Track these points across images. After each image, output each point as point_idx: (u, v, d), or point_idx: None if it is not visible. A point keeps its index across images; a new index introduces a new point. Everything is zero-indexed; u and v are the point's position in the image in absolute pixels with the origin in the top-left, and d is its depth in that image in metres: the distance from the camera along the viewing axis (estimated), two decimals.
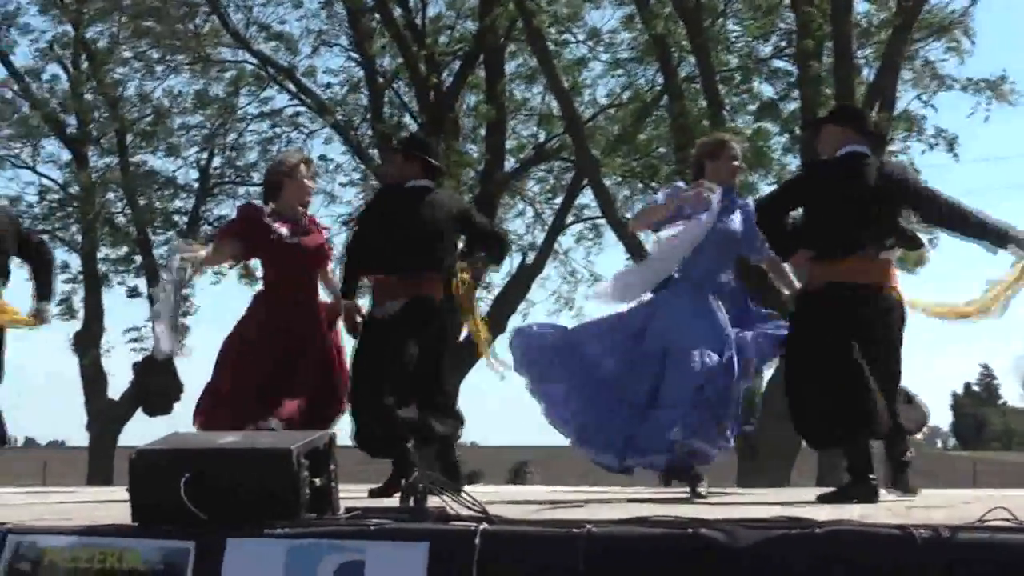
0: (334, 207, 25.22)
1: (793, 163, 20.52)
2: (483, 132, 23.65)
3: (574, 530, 4.28)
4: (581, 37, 23.37)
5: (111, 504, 6.17)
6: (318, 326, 7.87)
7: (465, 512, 4.58)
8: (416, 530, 4.41)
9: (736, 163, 7.44)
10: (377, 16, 23.30)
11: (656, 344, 7.03)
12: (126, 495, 4.85)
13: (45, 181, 26.83)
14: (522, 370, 7.30)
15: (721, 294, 7.20)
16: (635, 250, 20.34)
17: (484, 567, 4.20)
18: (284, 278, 7.85)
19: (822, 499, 6.41)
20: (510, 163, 23.89)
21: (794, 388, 6.72)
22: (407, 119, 24.24)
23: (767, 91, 21.77)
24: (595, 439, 7.12)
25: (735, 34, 22.12)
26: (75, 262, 26.24)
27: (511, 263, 24.16)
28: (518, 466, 35.34)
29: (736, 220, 7.26)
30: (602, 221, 23.30)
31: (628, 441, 6.97)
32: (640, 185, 23.43)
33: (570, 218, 24.61)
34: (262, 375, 7.57)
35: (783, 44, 21.67)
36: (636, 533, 4.28)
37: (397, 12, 23.05)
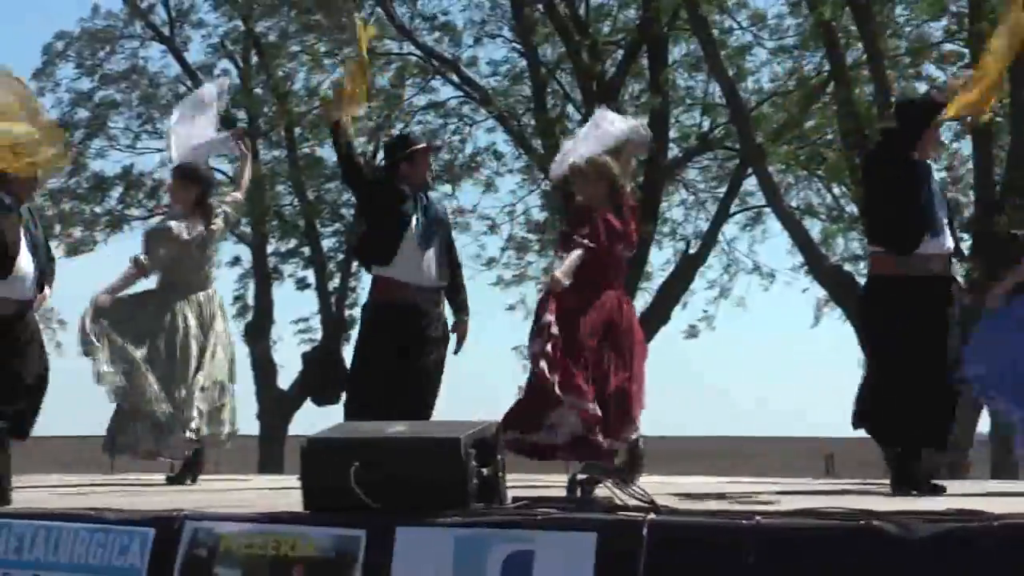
0: (496, 196, 25.29)
1: (963, 148, 20.06)
2: (646, 121, 23.53)
3: (743, 521, 4.23)
4: (745, 23, 23.12)
5: (283, 492, 6.27)
6: None
7: (632, 502, 4.55)
8: (584, 520, 4.39)
9: None
10: (540, 6, 23.31)
11: None
12: (297, 483, 4.92)
13: (217, 175, 27.37)
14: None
15: None
16: (800, 239, 20.10)
17: (652, 557, 4.17)
18: None
19: None
20: (673, 152, 23.74)
21: None
22: (570, 109, 24.23)
23: (938, 75, 21.30)
24: None
25: (904, 17, 21.68)
26: (246, 255, 26.75)
27: (674, 253, 24.03)
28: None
29: None
30: (766, 209, 23.03)
31: None
32: (805, 172, 23.12)
33: (734, 207, 24.37)
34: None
35: (954, 27, 21.17)
36: (806, 524, 4.22)
37: (560, 1, 23.04)
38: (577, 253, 7.56)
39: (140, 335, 8.53)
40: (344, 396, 7.98)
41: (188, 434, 8.39)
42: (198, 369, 8.56)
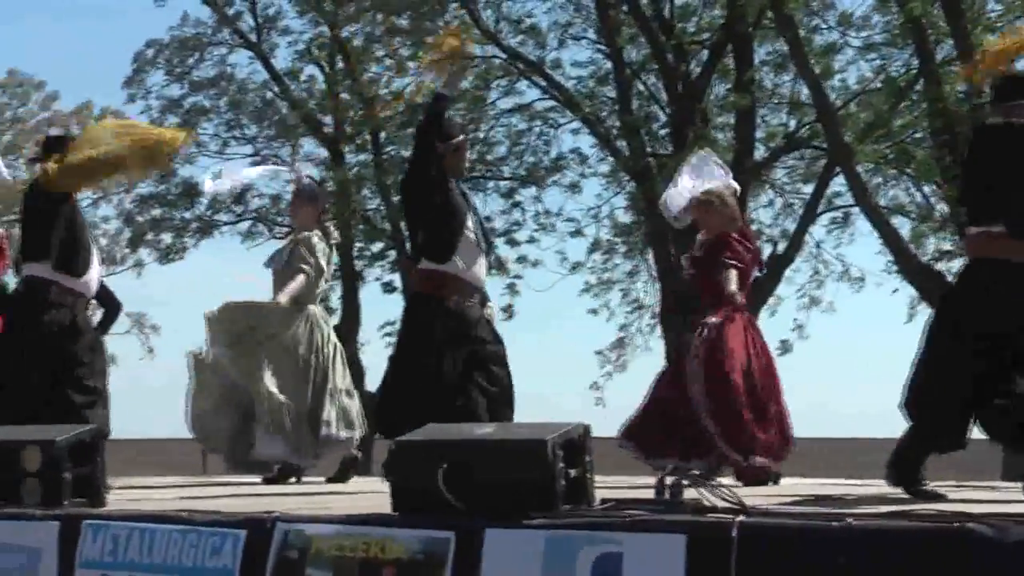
0: (580, 198, 25.28)
1: None
2: (732, 121, 23.41)
3: (833, 523, 4.19)
4: (832, 22, 22.94)
5: (372, 494, 6.30)
6: None
7: (722, 504, 4.53)
8: (673, 522, 4.37)
9: None
10: (624, 7, 23.26)
11: None
12: (386, 485, 4.94)
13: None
14: None
15: None
16: (889, 239, 19.91)
17: (743, 559, 4.14)
18: None
19: None
20: (760, 152, 23.60)
21: None
22: (655, 110, 24.16)
23: None
24: None
25: (996, 13, 21.40)
26: (332, 258, 26.92)
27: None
28: None
29: None
30: (855, 209, 22.83)
31: None
32: (894, 171, 22.89)
33: (821, 207, 24.18)
34: None
35: None
36: (899, 527, 4.17)
37: (644, 2, 22.99)
38: (733, 273, 8.06)
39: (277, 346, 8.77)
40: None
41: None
42: (327, 377, 9.00)
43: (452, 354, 7.20)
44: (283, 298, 8.86)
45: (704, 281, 8.28)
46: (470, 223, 7.47)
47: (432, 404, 6.87)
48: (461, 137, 7.79)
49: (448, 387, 7.14)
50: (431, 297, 7.36)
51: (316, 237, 9.25)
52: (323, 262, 9.18)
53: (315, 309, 9.19)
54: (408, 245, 7.42)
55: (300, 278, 9.01)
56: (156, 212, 26.11)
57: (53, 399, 7.28)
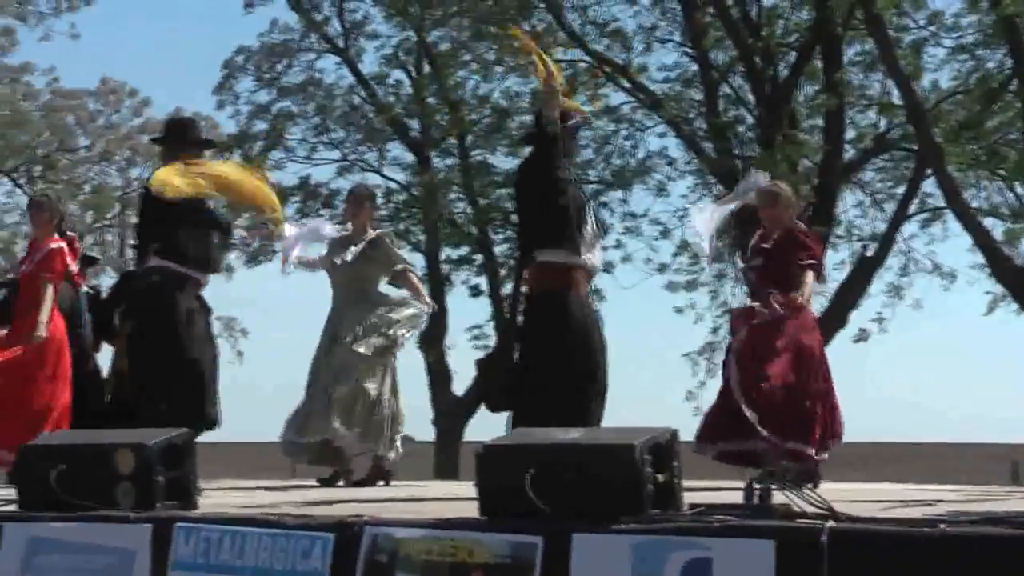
0: (667, 200, 25.21)
1: None
2: (821, 123, 23.24)
3: (926, 529, 4.15)
4: (923, 21, 22.70)
5: (460, 498, 6.31)
6: None
7: (811, 509, 4.50)
8: (762, 527, 4.35)
9: None
10: (711, 9, 23.17)
11: None
12: (473, 490, 4.95)
13: (391, 184, 27.75)
14: None
15: None
16: (981, 240, 19.65)
17: (833, 566, 4.11)
18: None
19: None
20: (849, 153, 23.40)
21: None
22: (742, 112, 24.03)
23: None
24: None
25: None
26: (419, 262, 27.03)
27: (850, 254, 23.68)
28: None
29: None
30: (946, 210, 22.56)
31: None
32: (986, 172, 22.61)
33: (912, 208, 23.92)
34: None
35: None
36: (993, 533, 4.12)
37: (731, 4, 22.87)
38: (811, 275, 8.23)
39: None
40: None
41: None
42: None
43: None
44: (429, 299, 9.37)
45: (773, 274, 8.31)
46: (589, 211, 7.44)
47: (566, 400, 6.88)
48: (577, 118, 7.68)
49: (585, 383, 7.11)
50: (553, 292, 7.22)
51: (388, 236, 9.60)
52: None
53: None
54: (522, 241, 7.18)
55: (413, 276, 9.46)
56: (246, 216, 26.34)
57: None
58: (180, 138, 8.00)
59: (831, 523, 4.27)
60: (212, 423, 8.01)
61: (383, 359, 9.00)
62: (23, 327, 8.94)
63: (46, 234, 9.17)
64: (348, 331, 8.98)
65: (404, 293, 9.43)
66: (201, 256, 8.03)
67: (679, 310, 24.33)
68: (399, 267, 9.37)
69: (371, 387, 8.88)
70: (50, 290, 8.94)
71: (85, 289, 10.72)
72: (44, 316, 8.86)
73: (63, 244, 9.15)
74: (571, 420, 6.31)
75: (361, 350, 8.89)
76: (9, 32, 26.20)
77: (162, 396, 7.64)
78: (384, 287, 9.41)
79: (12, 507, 5.80)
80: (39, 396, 8.90)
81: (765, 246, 8.42)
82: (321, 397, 8.86)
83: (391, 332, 9.03)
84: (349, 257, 9.16)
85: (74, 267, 9.25)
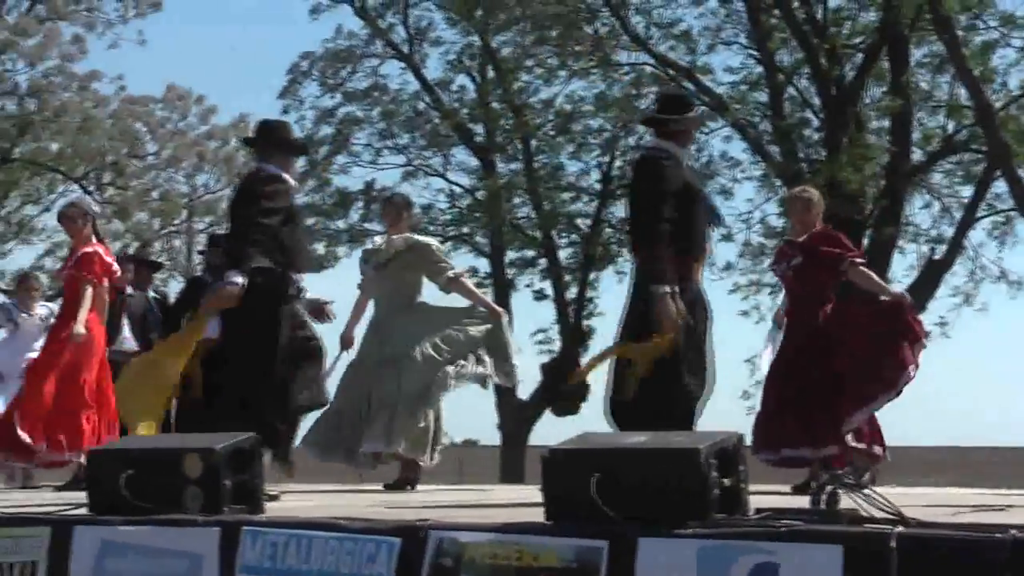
0: (732, 203, 25.15)
1: None
2: (887, 124, 23.09)
3: (996, 535, 4.10)
4: (992, 23, 22.50)
5: (525, 502, 6.32)
6: None
7: (879, 514, 4.47)
8: (829, 532, 4.32)
9: None
10: (776, 11, 23.08)
11: None
12: (538, 494, 4.96)
13: (455, 188, 27.86)
14: None
15: None
16: None
17: (903, 572, 4.07)
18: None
19: None
20: (917, 155, 23.22)
21: None
22: (808, 115, 23.92)
23: None
24: None
25: None
26: (483, 266, 27.09)
27: (917, 257, 23.50)
28: None
29: None
30: (1015, 213, 22.34)
31: None
32: None
33: (981, 211, 23.70)
34: None
35: None
36: None
37: (796, 6, 22.78)
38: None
39: None
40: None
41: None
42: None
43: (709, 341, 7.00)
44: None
45: (808, 272, 8.42)
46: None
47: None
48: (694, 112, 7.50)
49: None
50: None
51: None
52: None
53: None
54: (637, 234, 6.78)
55: (467, 281, 9.40)
56: (311, 221, 26.52)
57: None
58: (269, 141, 8.02)
59: (900, 528, 4.24)
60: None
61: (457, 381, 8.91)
62: (64, 329, 9.31)
63: (82, 240, 9.49)
64: (408, 344, 8.84)
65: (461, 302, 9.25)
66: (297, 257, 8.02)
67: (744, 313, 24.28)
68: (450, 273, 9.08)
69: (441, 407, 8.89)
70: (89, 291, 9.25)
71: (152, 294, 10.88)
72: (83, 315, 9.19)
73: (99, 248, 9.47)
74: None
75: (452, 382, 8.83)
76: (79, 40, 26.50)
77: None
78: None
79: (83, 510, 5.87)
80: (89, 395, 9.31)
81: (803, 241, 8.47)
82: (385, 412, 8.76)
83: (480, 356, 8.93)
84: (382, 259, 9.05)
85: (115, 267, 9.55)
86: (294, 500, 7.17)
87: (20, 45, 25.81)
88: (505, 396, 26.73)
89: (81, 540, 5.62)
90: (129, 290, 10.68)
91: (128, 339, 10.44)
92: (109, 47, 27.32)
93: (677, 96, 8.52)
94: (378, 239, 9.50)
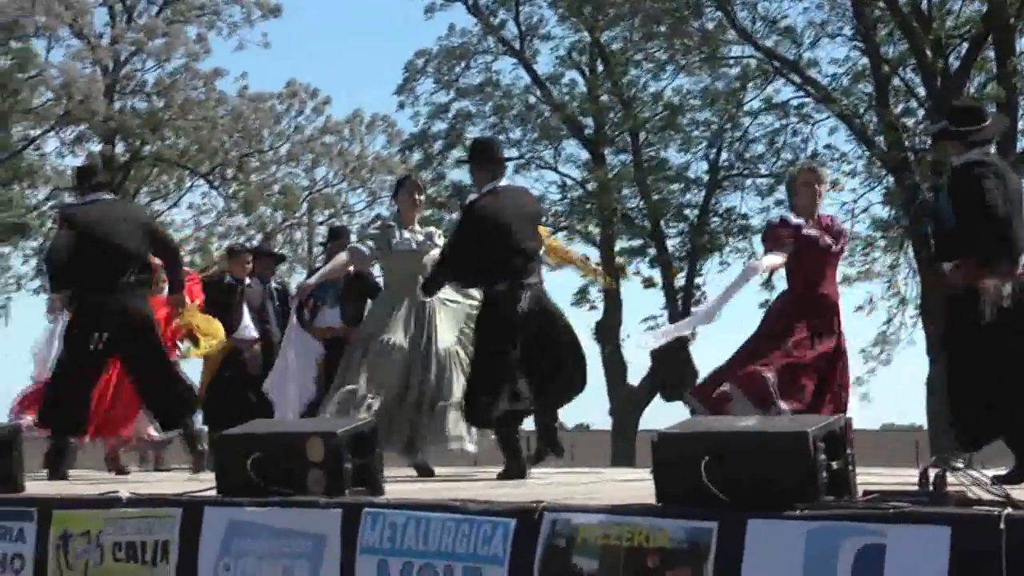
0: (837, 195, 24.99)
1: None
2: (993, 109, 22.81)
3: None
4: None
5: (636, 485, 6.41)
6: None
7: (987, 496, 4.49)
8: (936, 514, 4.34)
9: None
10: (881, 3, 22.91)
11: None
12: (649, 476, 5.05)
13: (566, 180, 28.00)
14: None
15: None
16: None
17: (1012, 553, 4.09)
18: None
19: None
20: (1022, 143, 22.93)
21: None
22: (913, 105, 23.72)
23: None
24: None
25: None
26: (593, 255, 27.18)
27: None
28: None
29: None
30: None
31: None
32: None
33: None
34: None
35: None
36: None
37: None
38: None
39: None
40: None
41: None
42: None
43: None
44: None
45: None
46: None
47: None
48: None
49: None
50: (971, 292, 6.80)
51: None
52: None
53: None
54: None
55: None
56: (426, 213, 26.74)
57: None
58: (485, 158, 8.20)
59: (1008, 510, 4.25)
60: None
61: None
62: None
63: None
64: (454, 344, 8.76)
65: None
66: None
67: (859, 307, 24.15)
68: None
69: None
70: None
71: (274, 285, 11.13)
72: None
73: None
74: None
75: None
76: (201, 39, 26.91)
77: None
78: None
79: (212, 492, 6.07)
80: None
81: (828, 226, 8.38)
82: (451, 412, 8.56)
83: None
84: (415, 245, 8.84)
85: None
86: (410, 484, 7.33)
87: (148, 44, 26.29)
88: (615, 382, 26.82)
89: (211, 520, 5.82)
90: (248, 280, 10.93)
91: (249, 327, 10.64)
92: (236, 50, 27.91)
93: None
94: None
